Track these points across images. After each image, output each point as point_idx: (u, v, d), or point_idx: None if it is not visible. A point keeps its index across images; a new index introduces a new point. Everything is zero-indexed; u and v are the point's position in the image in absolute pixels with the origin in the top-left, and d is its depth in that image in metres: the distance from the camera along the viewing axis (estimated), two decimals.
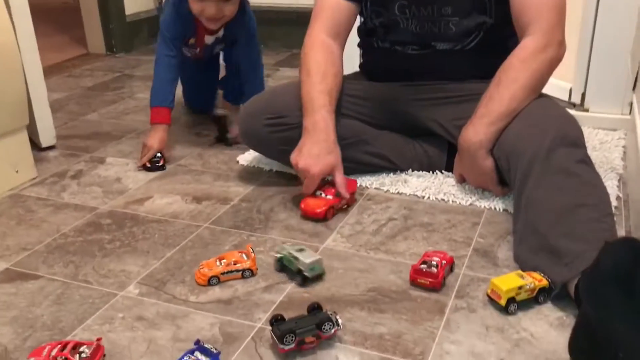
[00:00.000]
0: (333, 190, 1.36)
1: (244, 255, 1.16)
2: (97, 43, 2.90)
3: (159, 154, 1.63)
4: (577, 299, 0.99)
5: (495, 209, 1.38)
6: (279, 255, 1.15)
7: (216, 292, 1.10)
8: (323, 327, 0.94)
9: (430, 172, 1.53)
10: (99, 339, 0.94)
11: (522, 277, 1.04)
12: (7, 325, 1.02)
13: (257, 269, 1.16)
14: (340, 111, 1.44)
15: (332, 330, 0.95)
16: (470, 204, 1.40)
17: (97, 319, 1.03)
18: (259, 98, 1.53)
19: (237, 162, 1.67)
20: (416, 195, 1.45)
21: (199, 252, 1.23)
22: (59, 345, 0.92)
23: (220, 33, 1.79)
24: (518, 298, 1.02)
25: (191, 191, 1.50)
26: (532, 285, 1.02)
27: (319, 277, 1.12)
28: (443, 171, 1.53)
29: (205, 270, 1.13)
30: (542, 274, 1.05)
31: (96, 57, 2.85)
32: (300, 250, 1.14)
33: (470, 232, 1.29)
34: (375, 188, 1.49)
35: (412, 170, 1.54)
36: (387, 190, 1.48)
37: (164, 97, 1.66)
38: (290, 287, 1.11)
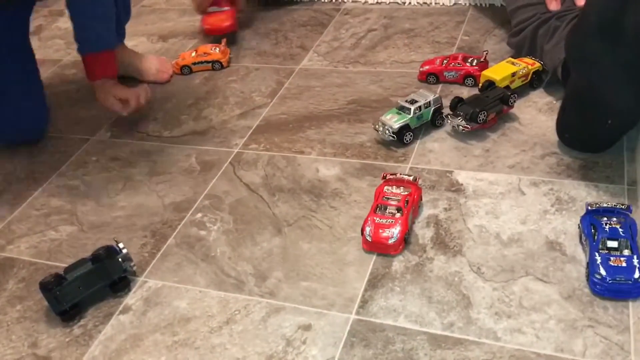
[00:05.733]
0: None
1: (217, 49, 1.18)
2: None
3: None
4: (564, 79, 0.92)
5: (480, 5, 1.27)
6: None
7: (190, 125, 1.06)
8: (509, 100, 0.91)
9: None
10: None
11: (513, 63, 0.96)
12: None
13: (228, 63, 1.18)
14: None
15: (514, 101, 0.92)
16: (454, 4, 1.29)
17: (70, 166, 1.00)
18: None
19: None
20: (397, 3, 1.34)
21: (168, 88, 1.17)
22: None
23: None
24: (513, 86, 0.95)
25: (156, 30, 1.41)
26: (526, 69, 0.95)
27: None
28: None
29: (179, 60, 1.17)
30: (533, 58, 0.97)
31: None
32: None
33: (454, 32, 1.20)
34: (353, 1, 1.38)
35: None
36: (366, 2, 1.36)
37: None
38: (265, 111, 1.06)
